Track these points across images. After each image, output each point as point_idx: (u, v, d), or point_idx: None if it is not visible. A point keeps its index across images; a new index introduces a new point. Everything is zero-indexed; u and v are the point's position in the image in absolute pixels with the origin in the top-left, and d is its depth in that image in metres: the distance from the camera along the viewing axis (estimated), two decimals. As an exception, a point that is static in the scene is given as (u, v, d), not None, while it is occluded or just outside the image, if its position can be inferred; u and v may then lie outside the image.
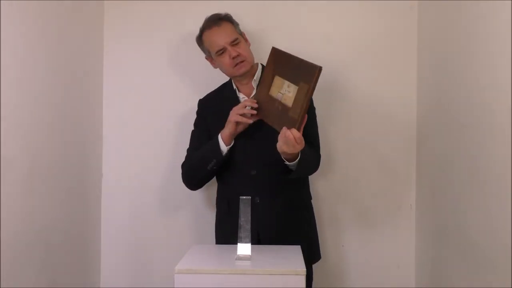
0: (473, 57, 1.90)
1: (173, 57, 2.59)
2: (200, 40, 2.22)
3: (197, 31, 2.26)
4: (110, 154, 2.61)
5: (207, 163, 2.11)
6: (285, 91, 1.95)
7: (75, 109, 2.35)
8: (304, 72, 1.90)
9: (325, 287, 2.53)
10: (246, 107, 2.04)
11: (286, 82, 1.95)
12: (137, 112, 2.60)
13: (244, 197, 1.79)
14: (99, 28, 2.58)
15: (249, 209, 1.77)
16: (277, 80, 1.99)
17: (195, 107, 2.32)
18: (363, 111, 2.56)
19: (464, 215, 1.98)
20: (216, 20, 2.16)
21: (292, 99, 1.91)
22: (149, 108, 2.59)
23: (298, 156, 1.94)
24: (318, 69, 1.86)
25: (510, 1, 1.61)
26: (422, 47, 2.50)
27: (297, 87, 1.91)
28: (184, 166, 2.22)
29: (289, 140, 1.84)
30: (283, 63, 1.99)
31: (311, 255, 2.20)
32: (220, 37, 2.13)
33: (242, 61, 2.13)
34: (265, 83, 2.04)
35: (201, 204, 2.55)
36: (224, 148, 2.07)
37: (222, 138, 2.07)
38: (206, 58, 2.26)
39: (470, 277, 1.93)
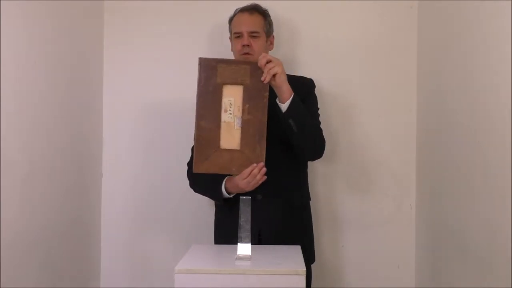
0: (473, 57, 1.90)
1: (174, 57, 2.59)
2: (231, 19, 2.27)
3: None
4: (110, 154, 2.61)
5: (211, 198, 2.22)
6: (232, 109, 1.98)
7: (75, 109, 2.35)
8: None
9: (325, 287, 2.53)
10: (256, 176, 1.99)
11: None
12: (137, 112, 2.60)
13: (244, 197, 1.79)
14: (99, 28, 2.58)
15: (249, 209, 1.77)
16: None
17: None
18: (362, 111, 2.56)
19: (464, 215, 1.98)
20: (251, 9, 2.21)
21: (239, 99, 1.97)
22: (149, 108, 2.59)
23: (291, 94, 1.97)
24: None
25: (510, 1, 1.61)
26: (422, 47, 2.50)
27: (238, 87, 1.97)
28: (190, 176, 2.21)
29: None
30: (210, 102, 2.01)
31: (310, 256, 2.21)
32: (244, 23, 2.18)
33: (248, 53, 2.13)
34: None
35: (201, 204, 2.54)
36: (226, 195, 2.09)
37: (226, 190, 2.07)
38: (229, 39, 2.29)
39: (470, 277, 1.93)
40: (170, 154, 2.58)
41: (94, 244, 2.57)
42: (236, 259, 1.74)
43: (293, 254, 1.83)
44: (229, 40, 2.28)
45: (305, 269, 1.62)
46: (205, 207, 2.53)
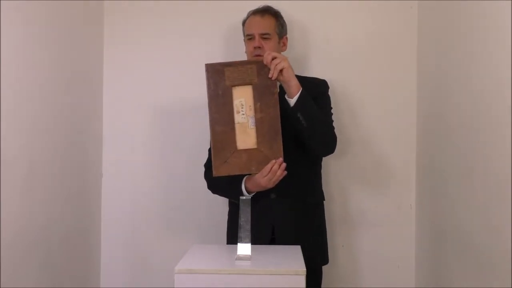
0: (473, 57, 1.90)
1: (174, 57, 2.59)
2: (244, 21, 2.27)
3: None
4: (110, 154, 2.61)
5: (231, 198, 2.21)
6: (244, 108, 1.97)
7: (75, 109, 2.35)
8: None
9: (324, 287, 2.52)
10: (276, 172, 1.98)
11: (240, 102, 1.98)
12: (137, 112, 2.60)
13: (244, 197, 1.79)
14: (99, 28, 2.59)
15: (249, 209, 1.77)
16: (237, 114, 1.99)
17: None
18: (363, 111, 2.56)
19: (464, 215, 1.98)
20: (263, 11, 2.21)
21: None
22: (149, 108, 2.59)
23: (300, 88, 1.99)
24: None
25: (510, 1, 1.61)
26: (422, 47, 2.50)
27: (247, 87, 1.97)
28: (208, 178, 2.19)
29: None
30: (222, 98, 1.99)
31: (324, 257, 2.22)
32: (255, 25, 2.18)
33: (260, 55, 2.13)
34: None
35: (201, 204, 2.55)
36: (246, 194, 2.07)
37: (246, 189, 2.06)
38: (244, 41, 2.28)
39: (470, 277, 1.93)
40: (170, 154, 2.58)
41: (94, 244, 2.57)
42: (236, 259, 1.74)
43: (293, 254, 1.83)
44: (242, 42, 2.27)
45: (305, 269, 1.62)
46: (206, 206, 2.53)
